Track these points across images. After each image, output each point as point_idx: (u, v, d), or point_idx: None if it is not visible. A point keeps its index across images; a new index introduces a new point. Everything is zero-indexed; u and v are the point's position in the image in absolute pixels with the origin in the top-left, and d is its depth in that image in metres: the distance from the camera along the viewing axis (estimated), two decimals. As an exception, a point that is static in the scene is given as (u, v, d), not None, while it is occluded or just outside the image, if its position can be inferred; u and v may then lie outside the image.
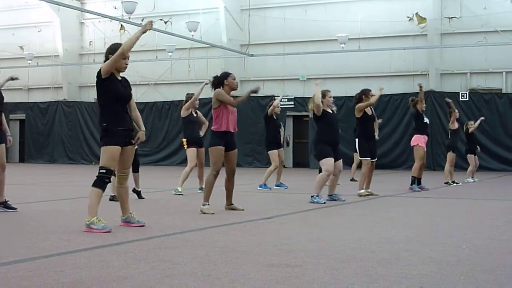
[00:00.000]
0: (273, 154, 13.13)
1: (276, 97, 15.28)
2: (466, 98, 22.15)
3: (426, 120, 13.05)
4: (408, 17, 23.30)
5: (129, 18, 18.97)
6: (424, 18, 22.98)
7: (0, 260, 4.95)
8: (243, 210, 8.74)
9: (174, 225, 7.26)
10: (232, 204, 8.88)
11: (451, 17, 22.85)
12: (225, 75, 8.73)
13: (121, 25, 25.98)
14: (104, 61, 6.88)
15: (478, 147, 16.14)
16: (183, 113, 11.91)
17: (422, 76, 23.12)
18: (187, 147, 11.78)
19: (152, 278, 4.34)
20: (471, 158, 15.84)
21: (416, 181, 12.81)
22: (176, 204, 9.89)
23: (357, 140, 11.52)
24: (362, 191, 11.31)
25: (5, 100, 8.83)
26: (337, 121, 10.65)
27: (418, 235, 6.50)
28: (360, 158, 11.43)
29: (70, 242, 5.88)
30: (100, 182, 6.70)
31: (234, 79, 8.70)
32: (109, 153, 6.72)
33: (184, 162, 25.14)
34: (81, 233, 6.41)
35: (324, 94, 10.24)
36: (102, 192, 6.73)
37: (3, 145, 8.48)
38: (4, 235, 6.56)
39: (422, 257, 5.20)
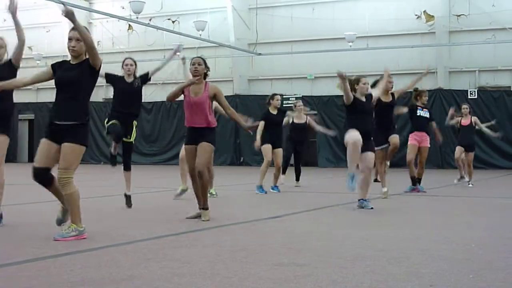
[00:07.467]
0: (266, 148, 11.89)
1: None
2: (475, 96, 22.07)
3: (422, 113, 12.21)
4: (416, 15, 23.25)
5: (137, 17, 19.04)
6: (432, 16, 22.91)
7: (10, 260, 4.97)
8: (208, 220, 7.42)
9: (183, 224, 7.26)
10: (202, 209, 7.55)
11: (459, 15, 22.77)
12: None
13: (129, 25, 26.03)
14: None
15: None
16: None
17: (431, 74, 23.00)
18: None
19: (161, 277, 4.35)
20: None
21: (415, 181, 11.91)
22: (184, 203, 9.89)
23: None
24: (385, 189, 10.57)
25: (14, 101, 7.85)
26: (371, 110, 9.24)
27: (427, 234, 6.48)
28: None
29: (80, 242, 5.89)
30: None
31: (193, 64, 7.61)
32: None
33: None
34: (90, 233, 6.42)
35: (358, 80, 8.96)
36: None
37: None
38: (14, 234, 6.59)
39: (431, 255, 5.18)
